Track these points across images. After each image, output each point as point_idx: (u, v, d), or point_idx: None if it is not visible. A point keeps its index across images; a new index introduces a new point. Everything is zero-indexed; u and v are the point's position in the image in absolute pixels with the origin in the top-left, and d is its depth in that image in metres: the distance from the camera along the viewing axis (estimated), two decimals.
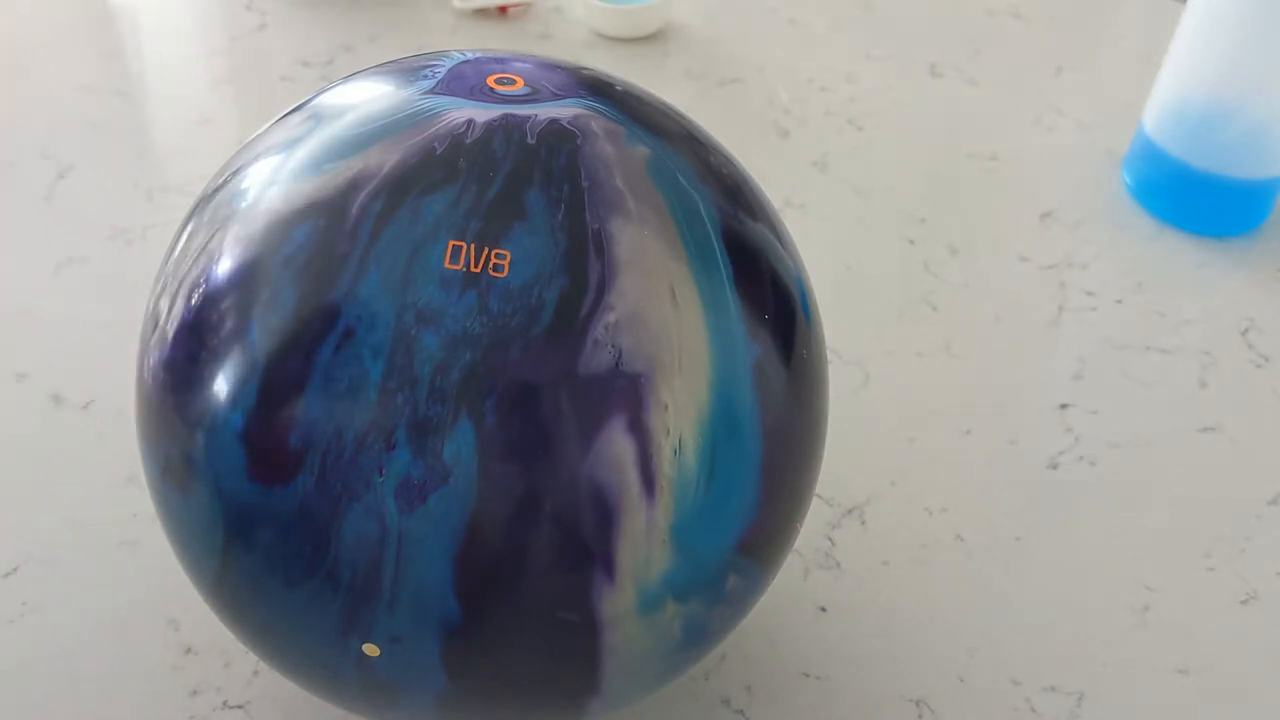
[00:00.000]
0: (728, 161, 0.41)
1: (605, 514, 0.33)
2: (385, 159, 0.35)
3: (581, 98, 0.38)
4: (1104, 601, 0.54)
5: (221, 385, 0.34)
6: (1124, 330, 0.67)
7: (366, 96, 0.38)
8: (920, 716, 0.49)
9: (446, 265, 0.33)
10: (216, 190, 0.38)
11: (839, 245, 0.72)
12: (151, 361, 0.37)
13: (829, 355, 0.59)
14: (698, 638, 0.39)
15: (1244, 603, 0.54)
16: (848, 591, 0.53)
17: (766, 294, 0.37)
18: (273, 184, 0.36)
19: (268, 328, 0.34)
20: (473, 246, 0.33)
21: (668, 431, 0.34)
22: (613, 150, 0.36)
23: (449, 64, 0.39)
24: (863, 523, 0.56)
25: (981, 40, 0.91)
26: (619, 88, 0.40)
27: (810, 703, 0.49)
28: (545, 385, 0.33)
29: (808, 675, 0.50)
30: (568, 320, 0.33)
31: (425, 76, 0.38)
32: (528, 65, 0.40)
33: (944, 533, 0.56)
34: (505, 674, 0.36)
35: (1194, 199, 0.73)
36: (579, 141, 0.36)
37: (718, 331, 0.35)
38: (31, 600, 0.52)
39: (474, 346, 0.32)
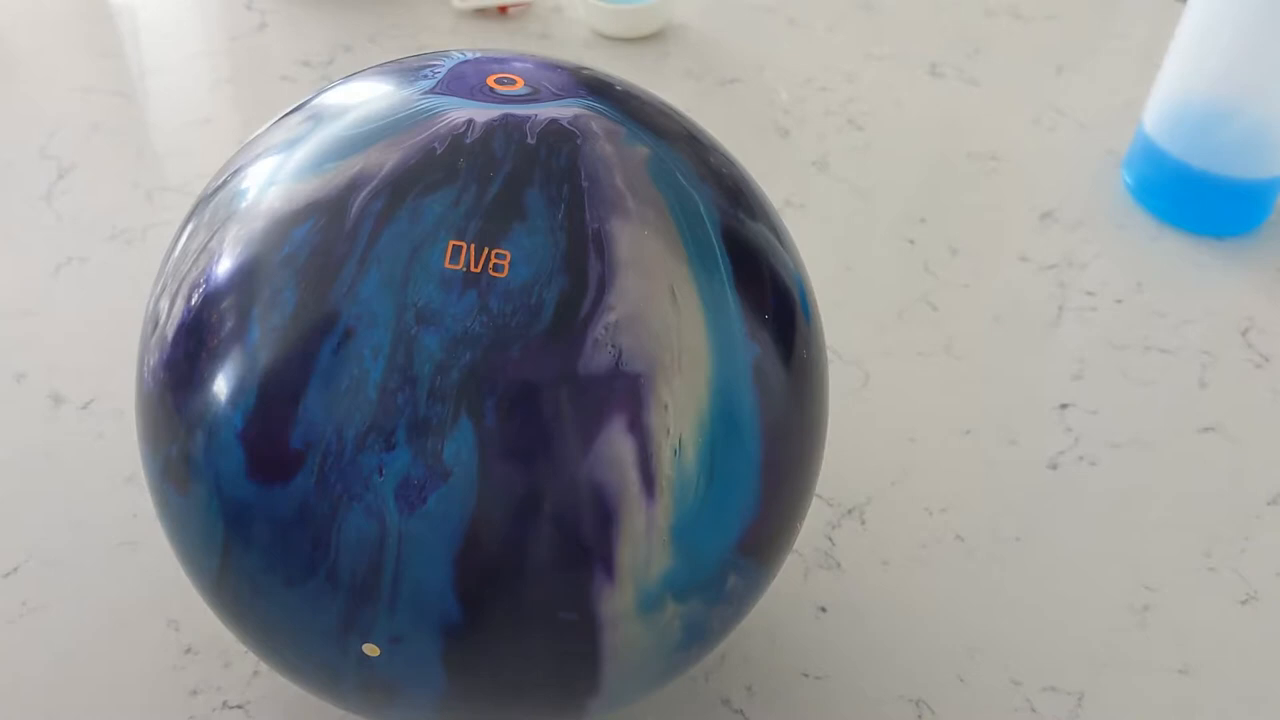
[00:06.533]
0: (728, 161, 0.41)
1: (605, 514, 0.33)
2: (385, 159, 0.35)
3: (581, 98, 0.38)
4: (1104, 601, 0.54)
5: (221, 385, 0.34)
6: (1124, 330, 0.67)
7: (366, 96, 0.38)
8: (920, 716, 0.49)
9: (446, 265, 0.33)
10: (216, 190, 0.38)
11: (839, 245, 0.72)
12: (151, 361, 0.37)
13: (829, 355, 0.59)
14: (698, 638, 0.39)
15: (1244, 603, 0.54)
16: (848, 591, 0.53)
17: (766, 294, 0.37)
18: (273, 184, 0.36)
19: (268, 327, 0.34)
20: (473, 246, 0.33)
21: (667, 431, 0.34)
22: (613, 150, 0.36)
23: (449, 64, 0.39)
24: (863, 523, 0.56)
25: (981, 40, 0.91)
26: (619, 88, 0.40)
27: (810, 703, 0.49)
28: (545, 385, 0.33)
29: (808, 675, 0.50)
30: (568, 320, 0.33)
31: (425, 76, 0.38)
32: (528, 65, 0.40)
33: (944, 533, 0.56)
34: (505, 674, 0.36)
35: (1194, 199, 0.73)
36: (579, 141, 0.36)
37: (718, 331, 0.35)
38: (32, 600, 0.52)
39: (474, 346, 0.32)
